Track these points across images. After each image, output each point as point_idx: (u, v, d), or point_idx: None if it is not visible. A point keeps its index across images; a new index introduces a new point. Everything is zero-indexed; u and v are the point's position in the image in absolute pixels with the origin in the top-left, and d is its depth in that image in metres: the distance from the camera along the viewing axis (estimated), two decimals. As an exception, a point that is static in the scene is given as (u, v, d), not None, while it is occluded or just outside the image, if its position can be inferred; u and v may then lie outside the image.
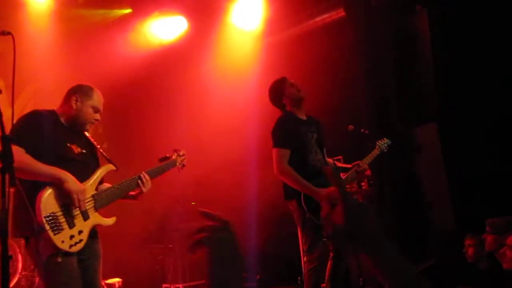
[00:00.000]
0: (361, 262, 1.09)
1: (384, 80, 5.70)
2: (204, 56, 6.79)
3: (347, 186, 5.44)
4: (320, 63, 5.95)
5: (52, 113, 3.01)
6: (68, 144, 2.95)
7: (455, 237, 4.57)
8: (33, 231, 2.62)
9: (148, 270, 6.40)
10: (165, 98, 7.15)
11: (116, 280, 5.40)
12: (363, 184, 5.55)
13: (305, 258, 3.90)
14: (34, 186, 2.69)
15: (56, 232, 2.63)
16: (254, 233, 5.91)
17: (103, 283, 5.00)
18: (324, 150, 4.21)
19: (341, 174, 4.20)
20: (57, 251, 2.64)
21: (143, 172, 3.12)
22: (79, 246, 2.74)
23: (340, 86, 6.01)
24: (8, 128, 2.23)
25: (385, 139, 4.44)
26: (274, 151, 3.96)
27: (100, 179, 3.02)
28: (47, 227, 2.60)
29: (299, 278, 5.51)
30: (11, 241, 4.49)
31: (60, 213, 2.69)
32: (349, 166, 4.21)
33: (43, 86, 6.34)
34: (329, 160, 4.31)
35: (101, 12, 6.65)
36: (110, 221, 2.97)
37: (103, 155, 3.13)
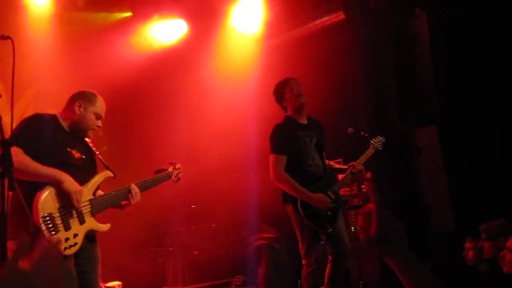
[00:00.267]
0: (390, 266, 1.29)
1: (383, 82, 5.70)
2: (204, 59, 6.80)
3: (346, 188, 5.44)
4: (320, 66, 5.95)
5: (53, 117, 3.02)
6: (69, 149, 2.96)
7: (455, 239, 4.57)
8: (27, 234, 2.62)
9: (148, 273, 6.39)
10: (165, 101, 7.16)
11: (116, 284, 5.39)
12: (363, 186, 5.54)
13: (303, 262, 3.90)
14: (32, 187, 2.70)
15: (52, 233, 2.64)
16: (254, 236, 5.90)
17: (103, 286, 4.99)
18: (324, 154, 4.21)
19: (338, 176, 4.21)
20: None
21: (133, 184, 3.12)
22: (74, 249, 2.75)
23: (339, 88, 6.01)
24: (7, 132, 2.24)
25: (379, 137, 4.43)
26: (271, 157, 3.98)
27: (98, 185, 3.03)
28: (44, 227, 2.61)
29: (299, 281, 5.50)
30: (10, 244, 4.48)
31: (57, 214, 2.70)
32: (346, 167, 4.22)
33: (44, 89, 6.35)
34: (328, 163, 4.31)
35: (101, 15, 6.66)
36: (105, 227, 2.99)
37: (102, 162, 3.14)
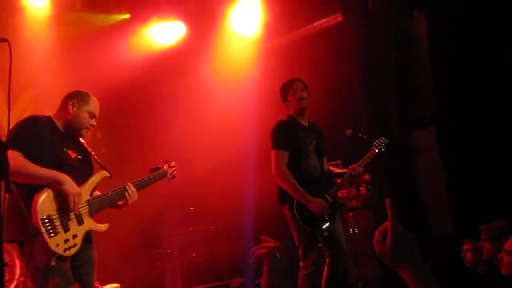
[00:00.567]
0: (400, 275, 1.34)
1: (382, 83, 5.71)
2: (202, 61, 6.80)
3: (344, 190, 5.43)
4: (318, 68, 5.95)
5: (48, 118, 3.03)
6: (65, 149, 2.97)
7: (453, 241, 4.56)
8: (26, 236, 2.62)
9: (147, 275, 6.38)
10: (164, 102, 7.16)
11: (114, 286, 5.38)
12: (361, 188, 5.54)
13: (300, 264, 3.89)
14: (30, 189, 2.70)
15: (51, 235, 2.64)
16: (252, 238, 5.90)
17: (101, 289, 4.99)
18: (324, 159, 4.20)
19: (337, 180, 4.19)
20: (52, 255, 2.64)
21: (129, 184, 3.12)
22: (73, 250, 2.75)
23: (338, 90, 6.01)
24: (3, 134, 2.23)
25: (382, 138, 4.37)
26: (273, 153, 3.97)
27: (95, 185, 3.03)
28: (43, 229, 2.61)
29: (297, 283, 5.49)
30: (9, 247, 4.47)
31: (56, 216, 2.70)
32: (346, 171, 4.18)
33: (42, 91, 6.34)
34: (328, 168, 4.30)
35: (99, 17, 6.66)
36: (103, 227, 2.99)
37: (98, 162, 3.14)
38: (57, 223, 2.69)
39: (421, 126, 5.39)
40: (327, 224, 3.85)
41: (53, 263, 2.65)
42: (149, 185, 3.29)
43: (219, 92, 6.63)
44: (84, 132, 3.11)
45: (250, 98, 6.36)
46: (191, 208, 6.88)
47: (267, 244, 1.97)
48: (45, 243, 2.61)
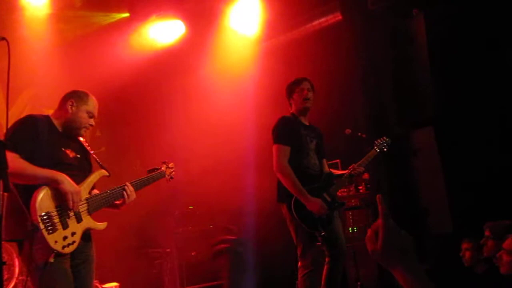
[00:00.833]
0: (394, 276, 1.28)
1: (381, 83, 5.71)
2: (201, 59, 6.80)
3: (344, 190, 5.43)
4: (317, 67, 5.95)
5: (46, 118, 3.03)
6: (63, 149, 2.98)
7: (452, 241, 4.57)
8: (25, 235, 2.63)
9: (146, 274, 6.38)
10: (163, 101, 7.16)
11: (113, 285, 5.38)
12: (360, 187, 5.54)
13: (299, 263, 3.88)
14: (28, 187, 2.71)
15: (50, 232, 2.65)
16: (252, 237, 5.90)
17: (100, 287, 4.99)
18: (324, 161, 4.20)
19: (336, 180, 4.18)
20: (50, 252, 2.64)
21: (127, 183, 3.12)
22: (72, 247, 2.76)
23: (337, 90, 6.01)
24: (2, 133, 2.23)
25: (384, 137, 4.35)
26: (274, 148, 3.96)
27: (93, 184, 3.04)
28: (42, 226, 2.62)
29: (297, 282, 5.49)
30: (8, 246, 4.47)
31: (55, 213, 2.71)
32: (346, 172, 4.16)
33: (41, 90, 6.34)
34: (329, 170, 4.29)
35: (99, 15, 6.65)
36: (102, 225, 3.00)
37: (96, 161, 3.15)
38: (56, 220, 2.71)
39: (420, 125, 5.39)
40: (325, 224, 3.85)
41: (51, 260, 2.65)
42: (147, 185, 3.30)
43: (218, 91, 6.63)
44: (82, 131, 3.11)
45: (249, 97, 6.37)
46: (190, 207, 6.88)
47: (228, 238, 1.86)
48: (44, 239, 2.62)
